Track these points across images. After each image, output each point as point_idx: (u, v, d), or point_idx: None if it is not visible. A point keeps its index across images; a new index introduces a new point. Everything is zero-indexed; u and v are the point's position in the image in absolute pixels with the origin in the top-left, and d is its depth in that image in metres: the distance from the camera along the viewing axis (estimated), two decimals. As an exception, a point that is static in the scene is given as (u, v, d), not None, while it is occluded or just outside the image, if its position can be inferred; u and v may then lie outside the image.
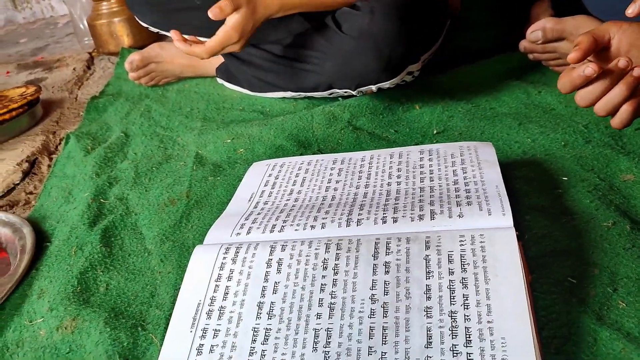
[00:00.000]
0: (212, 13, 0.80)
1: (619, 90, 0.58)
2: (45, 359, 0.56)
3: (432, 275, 0.48)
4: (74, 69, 1.46)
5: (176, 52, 1.20)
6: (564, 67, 0.94)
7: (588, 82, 0.59)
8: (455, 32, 1.14)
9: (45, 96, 1.27)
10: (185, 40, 0.87)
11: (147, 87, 1.24)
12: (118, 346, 0.55)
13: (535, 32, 0.89)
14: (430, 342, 0.43)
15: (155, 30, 1.15)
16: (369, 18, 0.88)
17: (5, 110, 1.06)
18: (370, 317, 0.46)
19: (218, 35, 0.84)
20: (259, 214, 0.63)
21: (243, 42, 0.87)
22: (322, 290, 0.49)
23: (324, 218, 0.59)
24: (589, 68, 0.57)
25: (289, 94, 1.04)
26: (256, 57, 1.04)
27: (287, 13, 0.91)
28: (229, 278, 0.53)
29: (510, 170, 0.71)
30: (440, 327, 0.43)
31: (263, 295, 0.50)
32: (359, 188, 0.66)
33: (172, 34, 0.87)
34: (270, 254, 0.54)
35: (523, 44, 0.94)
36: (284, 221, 0.60)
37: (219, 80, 1.17)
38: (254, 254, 0.54)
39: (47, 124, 1.14)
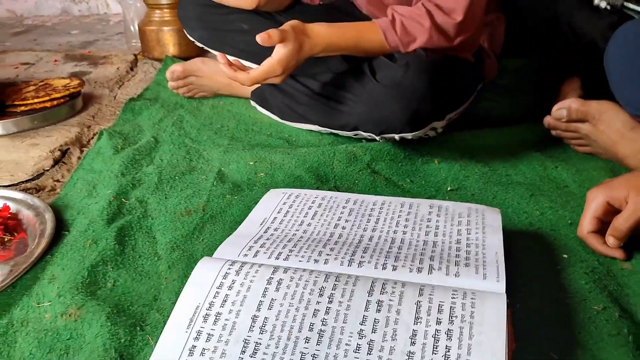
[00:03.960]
0: (260, 38, 0.85)
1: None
2: (46, 341, 0.59)
3: (420, 322, 0.50)
4: (117, 68, 1.53)
5: (216, 69, 1.26)
6: (583, 146, 0.97)
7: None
8: (485, 94, 1.17)
9: (87, 90, 1.33)
10: (230, 64, 0.92)
11: (183, 98, 1.29)
12: (116, 342, 0.58)
13: (561, 110, 0.93)
14: (408, 387, 0.45)
15: (200, 45, 1.21)
16: (404, 71, 0.92)
17: (47, 98, 1.12)
18: (355, 352, 0.48)
19: (263, 66, 0.89)
20: (267, 239, 0.66)
21: (285, 76, 0.91)
22: (314, 315, 0.52)
23: (327, 254, 0.62)
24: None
25: (316, 127, 1.08)
26: (292, 88, 1.08)
27: (330, 54, 0.95)
28: (230, 287, 0.55)
29: (515, 239, 0.74)
30: (419, 374, 0.46)
31: (259, 310, 0.53)
32: (366, 231, 0.69)
33: (219, 56, 0.92)
34: (273, 273, 0.57)
35: (547, 120, 0.97)
36: (290, 250, 0.63)
37: (252, 103, 1.21)
38: (257, 270, 0.57)
39: (83, 117, 1.19)
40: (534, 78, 1.24)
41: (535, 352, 0.56)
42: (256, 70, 0.89)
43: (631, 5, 0.96)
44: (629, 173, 0.73)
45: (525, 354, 0.55)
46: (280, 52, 0.88)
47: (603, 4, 0.96)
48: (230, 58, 0.94)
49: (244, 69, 0.92)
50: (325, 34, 0.92)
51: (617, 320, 0.59)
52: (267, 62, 0.88)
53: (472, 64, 1.05)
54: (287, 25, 0.89)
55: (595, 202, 0.70)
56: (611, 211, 0.69)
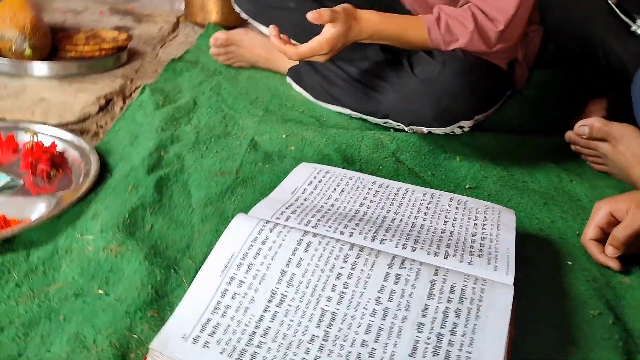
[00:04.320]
0: (311, 15, 0.89)
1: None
2: (89, 269, 0.65)
3: (433, 298, 0.56)
4: (160, 27, 1.57)
5: (257, 42, 1.30)
6: (600, 165, 1.01)
7: None
8: (512, 101, 1.21)
9: (131, 45, 1.38)
10: (280, 37, 0.96)
11: (221, 65, 1.33)
12: (152, 279, 0.63)
13: (583, 127, 0.97)
14: (414, 353, 0.50)
15: (245, 17, 1.25)
16: (440, 69, 0.97)
17: (97, 47, 1.17)
18: (371, 316, 0.54)
19: (311, 43, 0.93)
20: (298, 207, 0.72)
21: (329, 56, 0.96)
22: (337, 278, 0.57)
23: (353, 228, 0.67)
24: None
25: (347, 111, 1.12)
26: (328, 70, 1.13)
27: (375, 42, 1.00)
28: (263, 242, 0.61)
29: (525, 241, 0.78)
30: (426, 343, 0.51)
31: (287, 265, 0.58)
32: (389, 212, 0.74)
33: (271, 28, 0.96)
34: (303, 235, 0.62)
35: (569, 134, 1.01)
36: (319, 220, 0.68)
37: (288, 80, 1.26)
38: (289, 231, 0.62)
39: (127, 70, 1.24)
40: (561, 92, 1.28)
41: (531, 344, 0.61)
42: (304, 45, 0.94)
43: (667, 36, 1.00)
44: (636, 190, 0.77)
45: (522, 344, 0.60)
46: (329, 32, 0.92)
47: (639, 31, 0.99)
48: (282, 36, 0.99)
49: (291, 43, 0.97)
50: (374, 22, 0.96)
51: (610, 325, 0.64)
52: (316, 40, 0.93)
53: (504, 72, 1.09)
54: (339, 7, 0.93)
55: (599, 212, 0.75)
56: (613, 222, 0.73)
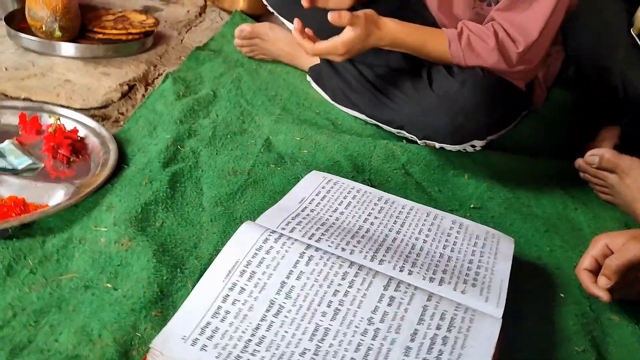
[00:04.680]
0: (331, 16, 0.92)
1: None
2: (100, 261, 0.68)
3: (423, 323, 0.58)
4: (187, 11, 1.59)
5: (282, 37, 1.31)
6: (606, 195, 1.02)
7: None
8: (529, 120, 1.22)
9: (157, 28, 1.40)
10: (303, 31, 0.98)
11: (244, 57, 1.35)
12: (159, 277, 0.67)
13: (594, 156, 0.98)
14: (399, 377, 0.53)
15: (271, 10, 1.26)
16: (459, 87, 0.98)
17: (124, 32, 1.20)
18: (362, 335, 0.57)
19: (329, 42, 0.96)
20: (304, 218, 0.74)
21: (345, 57, 0.98)
22: (334, 294, 0.60)
23: (354, 245, 0.70)
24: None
25: (362, 116, 1.14)
26: (349, 74, 1.14)
27: (394, 50, 1.01)
28: (267, 252, 0.64)
29: (521, 269, 0.80)
30: (412, 368, 0.54)
31: (288, 277, 0.61)
32: (391, 231, 0.76)
33: (296, 22, 0.98)
34: (306, 249, 0.65)
35: (579, 162, 1.03)
36: (322, 234, 0.71)
37: (308, 78, 1.27)
38: (293, 243, 0.65)
39: (152, 55, 1.27)
40: (575, 115, 1.28)
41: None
42: (321, 43, 0.96)
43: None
44: (637, 229, 0.78)
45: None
46: (347, 34, 0.94)
47: (661, 66, 1.00)
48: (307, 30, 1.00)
49: (313, 40, 0.99)
50: (394, 30, 0.98)
51: (592, 363, 0.67)
52: (333, 40, 0.95)
53: (522, 92, 1.10)
54: (361, 12, 0.95)
55: (596, 244, 0.75)
56: (609, 255, 0.73)
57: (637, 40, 1.06)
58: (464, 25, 1.00)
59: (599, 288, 0.72)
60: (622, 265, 0.69)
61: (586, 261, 0.76)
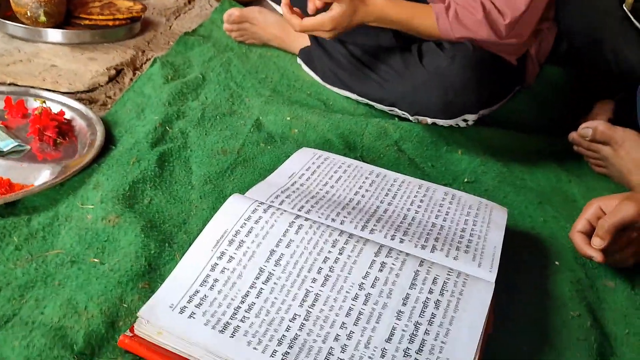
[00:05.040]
0: None
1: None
2: (86, 238, 0.67)
3: (415, 287, 0.57)
4: (176, -2, 1.58)
5: (271, 20, 1.30)
6: (600, 167, 1.01)
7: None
8: (522, 96, 1.21)
9: (145, 15, 1.38)
10: (292, 8, 0.98)
11: (233, 41, 1.34)
12: (147, 252, 0.66)
13: (587, 129, 0.97)
14: (391, 339, 0.52)
15: (260, -6, 1.26)
16: (449, 62, 0.97)
17: (111, 17, 1.18)
18: (353, 300, 0.56)
19: (315, 18, 0.96)
20: (294, 192, 0.73)
21: (333, 34, 0.98)
22: (324, 261, 0.59)
23: (345, 216, 0.69)
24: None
25: (354, 95, 1.13)
26: (339, 53, 1.13)
27: (382, 26, 1.00)
28: (256, 222, 0.63)
29: (515, 238, 0.80)
30: (403, 330, 0.53)
31: (277, 245, 0.61)
32: (382, 203, 0.75)
33: None
34: (295, 218, 0.64)
35: (572, 135, 1.02)
36: (312, 206, 0.70)
37: (299, 60, 1.26)
38: (282, 213, 0.64)
39: (139, 41, 1.25)
40: (569, 91, 1.27)
41: (507, 341, 0.63)
42: (308, 19, 0.96)
43: (679, 44, 0.99)
44: (631, 192, 0.77)
45: (498, 341, 0.62)
46: (334, 10, 0.94)
47: (652, 37, 0.99)
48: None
49: (301, 17, 0.98)
50: (380, 5, 0.97)
51: (588, 328, 0.66)
52: (320, 16, 0.95)
53: (514, 67, 1.09)
54: None
55: (589, 207, 0.74)
56: (602, 217, 0.72)
57: (629, 14, 1.05)
58: (452, 0, 0.99)
59: (593, 249, 0.71)
60: (616, 224, 0.68)
61: (579, 224, 0.74)
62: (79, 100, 0.96)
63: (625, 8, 1.05)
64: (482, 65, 0.98)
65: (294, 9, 0.99)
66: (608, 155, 0.97)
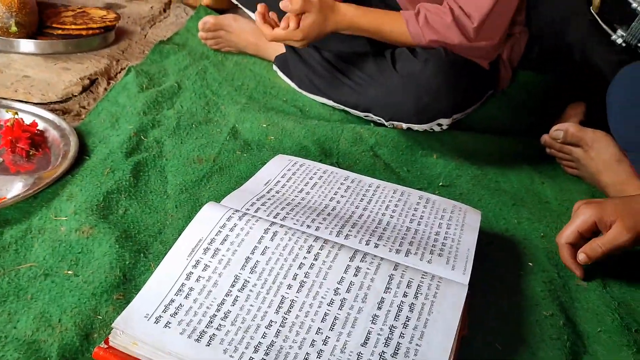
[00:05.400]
0: (283, 4, 0.94)
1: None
2: (60, 250, 0.66)
3: (390, 292, 0.58)
4: (151, 7, 1.57)
5: (247, 28, 1.31)
6: (572, 169, 1.03)
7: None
8: (496, 101, 1.23)
9: (120, 24, 1.38)
10: (265, 18, 0.98)
11: (209, 49, 1.34)
12: (121, 262, 0.65)
13: (558, 131, 0.99)
14: (367, 343, 0.53)
15: (235, 1, 1.26)
16: (422, 66, 0.98)
17: (84, 26, 1.18)
18: (329, 305, 0.56)
19: (285, 29, 0.96)
20: (269, 199, 0.73)
21: (304, 43, 0.99)
22: (299, 267, 0.60)
23: (320, 223, 0.69)
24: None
25: (330, 102, 1.14)
26: (314, 60, 1.14)
27: (354, 33, 1.01)
28: (231, 229, 0.63)
29: (489, 241, 0.81)
30: (378, 334, 0.54)
31: (252, 253, 0.61)
32: (357, 208, 0.76)
33: (259, 6, 0.99)
34: (270, 225, 0.64)
35: (544, 138, 1.04)
36: (287, 213, 0.70)
37: (274, 67, 1.27)
38: (257, 220, 0.64)
39: (114, 50, 1.25)
40: (541, 95, 1.29)
41: (483, 340, 0.63)
42: (279, 30, 0.97)
43: (645, 47, 1.02)
44: (620, 198, 0.76)
45: (473, 341, 0.63)
46: (304, 20, 0.96)
47: (619, 40, 1.01)
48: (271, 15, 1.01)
49: (275, 25, 0.99)
50: (350, 13, 0.99)
51: (560, 327, 0.67)
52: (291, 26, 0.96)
53: (486, 72, 1.11)
54: None
55: (583, 217, 0.73)
56: (594, 230, 0.74)
57: (597, 17, 1.07)
58: (421, 6, 1.01)
59: (576, 265, 0.74)
60: (608, 252, 0.71)
61: (570, 234, 0.75)
62: (52, 110, 0.95)
63: (592, 10, 1.08)
64: (454, 69, 1.00)
65: (269, 16, 0.99)
66: (579, 157, 0.99)
